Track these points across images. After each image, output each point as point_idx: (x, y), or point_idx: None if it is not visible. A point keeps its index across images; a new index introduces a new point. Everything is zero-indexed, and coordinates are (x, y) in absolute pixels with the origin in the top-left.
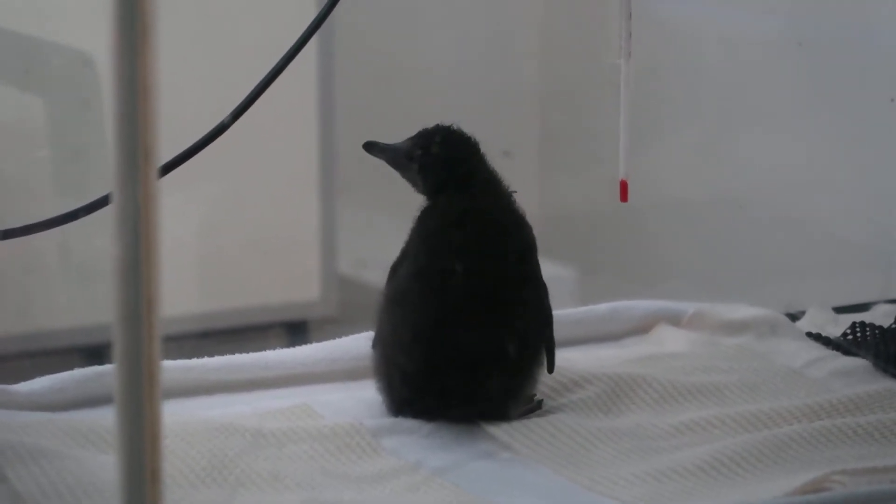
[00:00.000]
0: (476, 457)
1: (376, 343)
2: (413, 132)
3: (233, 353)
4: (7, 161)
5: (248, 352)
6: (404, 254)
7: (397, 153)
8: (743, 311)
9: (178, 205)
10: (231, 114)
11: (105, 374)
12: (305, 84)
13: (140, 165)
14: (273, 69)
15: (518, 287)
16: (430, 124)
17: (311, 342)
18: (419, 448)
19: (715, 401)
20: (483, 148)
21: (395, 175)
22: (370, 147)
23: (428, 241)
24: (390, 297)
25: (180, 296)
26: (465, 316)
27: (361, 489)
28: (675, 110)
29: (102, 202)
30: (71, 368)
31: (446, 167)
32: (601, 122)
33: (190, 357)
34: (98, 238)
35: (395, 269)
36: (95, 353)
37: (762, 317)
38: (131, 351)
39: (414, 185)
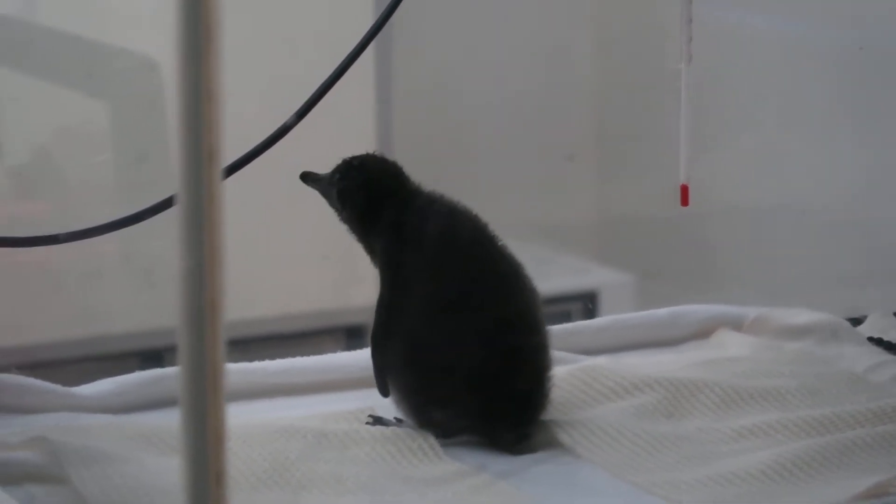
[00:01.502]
0: (538, 461)
1: (415, 376)
2: (469, 135)
3: (292, 357)
4: (71, 164)
5: (307, 356)
6: (395, 287)
7: (323, 181)
8: (804, 315)
9: (237, 208)
10: (295, 114)
11: (167, 376)
12: (363, 86)
13: (205, 167)
14: (336, 70)
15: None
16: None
17: (368, 347)
18: (481, 452)
19: (777, 405)
20: (539, 152)
21: (451, 179)
22: (305, 178)
23: (441, 254)
24: (434, 318)
25: (237, 300)
26: (529, 315)
27: (423, 493)
28: (735, 115)
29: (167, 204)
30: (132, 371)
31: (365, 189)
32: (660, 127)
33: (249, 362)
34: (161, 241)
35: (389, 303)
36: (155, 357)
37: (824, 321)
38: (196, 354)
39: (338, 213)
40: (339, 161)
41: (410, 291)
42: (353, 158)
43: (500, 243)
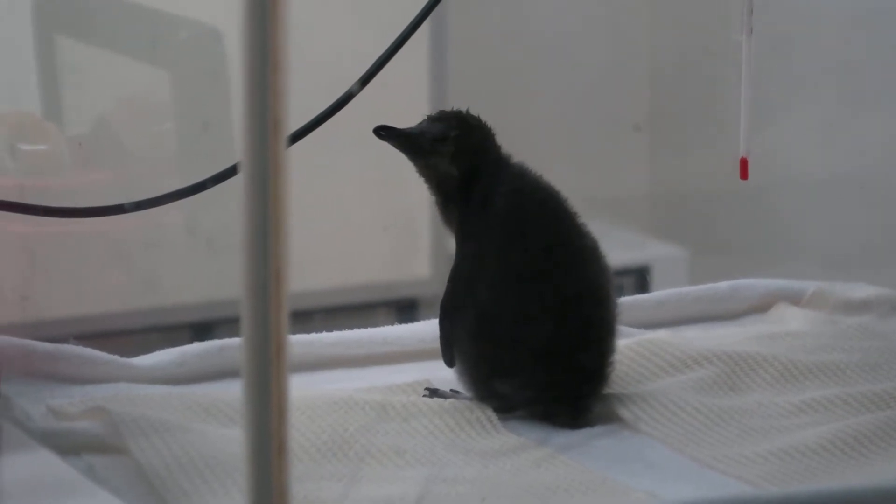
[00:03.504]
0: (598, 435)
1: (489, 345)
2: (525, 107)
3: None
4: (133, 134)
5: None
6: (471, 257)
7: (420, 137)
8: (864, 290)
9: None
10: (358, 81)
11: (226, 347)
12: (418, 57)
13: (270, 137)
14: (398, 38)
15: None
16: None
17: (420, 320)
18: (540, 426)
19: (837, 380)
20: (595, 125)
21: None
22: (385, 131)
23: (524, 222)
24: (507, 287)
25: (293, 272)
26: (600, 291)
27: (484, 465)
28: (795, 87)
29: (231, 172)
30: (183, 343)
31: (481, 149)
32: (719, 99)
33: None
34: (222, 211)
35: (465, 274)
36: (206, 329)
37: (883, 296)
38: (260, 324)
39: (435, 171)
40: (434, 115)
41: (486, 263)
42: (468, 116)
43: (577, 219)
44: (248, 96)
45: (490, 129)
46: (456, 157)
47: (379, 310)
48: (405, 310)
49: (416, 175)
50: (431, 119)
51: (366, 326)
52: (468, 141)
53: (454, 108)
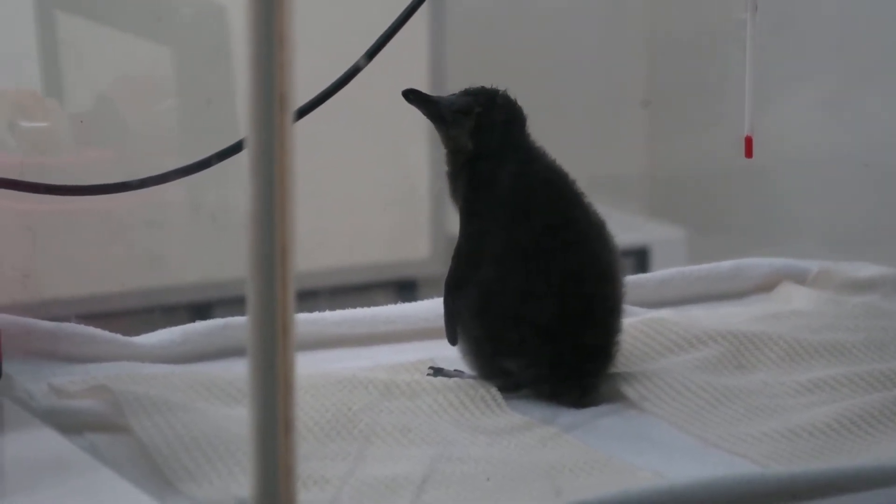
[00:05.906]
0: (602, 414)
1: (495, 324)
2: (523, 84)
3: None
4: (137, 111)
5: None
6: (475, 236)
7: (445, 107)
8: (868, 269)
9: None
10: (365, 55)
11: (229, 326)
12: (416, 34)
13: (276, 113)
14: (405, 11)
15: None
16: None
17: (425, 299)
18: (545, 405)
19: (842, 359)
20: (596, 104)
21: None
22: (413, 95)
23: (528, 200)
24: (509, 265)
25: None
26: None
27: (489, 444)
28: (799, 65)
29: (235, 149)
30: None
31: (503, 129)
32: (721, 78)
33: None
34: (224, 189)
35: (468, 252)
36: (205, 309)
37: (888, 275)
38: (266, 300)
39: (454, 142)
40: (470, 89)
41: (491, 241)
42: (496, 93)
43: (584, 199)
44: (253, 71)
45: (520, 112)
46: (475, 132)
47: (378, 290)
48: (405, 290)
49: (417, 155)
50: (465, 92)
51: (366, 306)
52: (490, 119)
53: (492, 86)
